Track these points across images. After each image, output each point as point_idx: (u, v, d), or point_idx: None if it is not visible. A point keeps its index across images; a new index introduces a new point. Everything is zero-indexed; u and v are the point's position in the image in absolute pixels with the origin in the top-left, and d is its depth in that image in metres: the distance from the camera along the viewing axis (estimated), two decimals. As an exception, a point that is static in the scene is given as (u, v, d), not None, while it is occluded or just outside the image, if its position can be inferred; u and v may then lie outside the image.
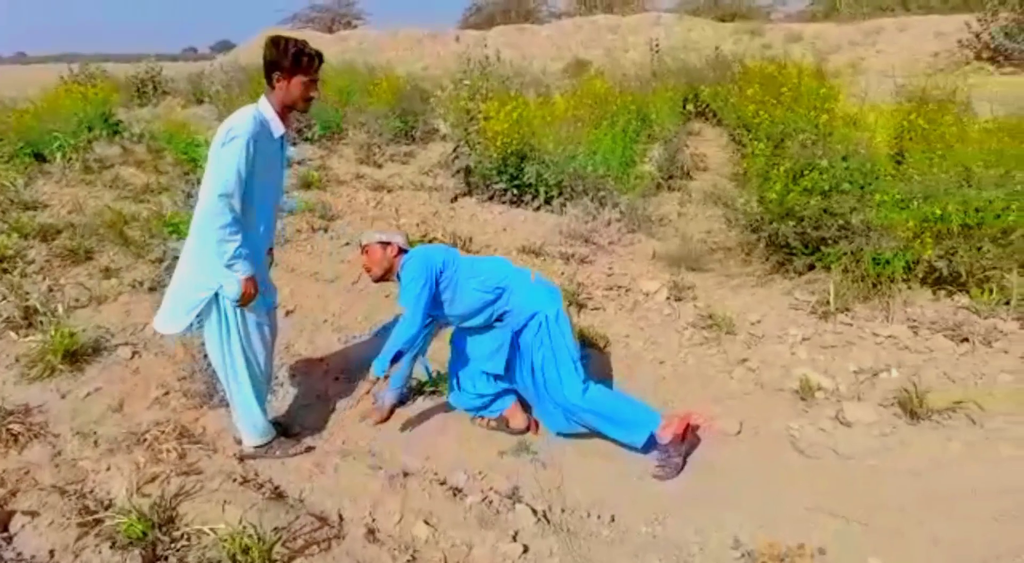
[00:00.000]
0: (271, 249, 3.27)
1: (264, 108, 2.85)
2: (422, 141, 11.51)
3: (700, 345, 3.95)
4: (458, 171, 7.83)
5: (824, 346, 3.79)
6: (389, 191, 8.01)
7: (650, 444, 3.01)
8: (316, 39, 22.49)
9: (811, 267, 4.75)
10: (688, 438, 3.03)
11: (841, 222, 4.41)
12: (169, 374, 3.95)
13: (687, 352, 3.90)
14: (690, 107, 12.32)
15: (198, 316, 2.97)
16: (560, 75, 17.88)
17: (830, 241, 4.50)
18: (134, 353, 4.18)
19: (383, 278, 3.27)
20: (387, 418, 3.50)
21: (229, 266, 2.80)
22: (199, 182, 8.08)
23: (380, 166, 9.72)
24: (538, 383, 3.10)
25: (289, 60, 2.75)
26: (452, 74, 15.52)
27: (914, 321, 3.94)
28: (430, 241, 5.69)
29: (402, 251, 3.20)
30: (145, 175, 8.78)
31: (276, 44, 2.78)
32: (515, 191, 7.22)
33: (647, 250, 5.59)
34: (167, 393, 3.77)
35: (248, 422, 3.16)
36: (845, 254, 4.31)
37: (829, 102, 6.41)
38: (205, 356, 4.02)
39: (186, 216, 6.70)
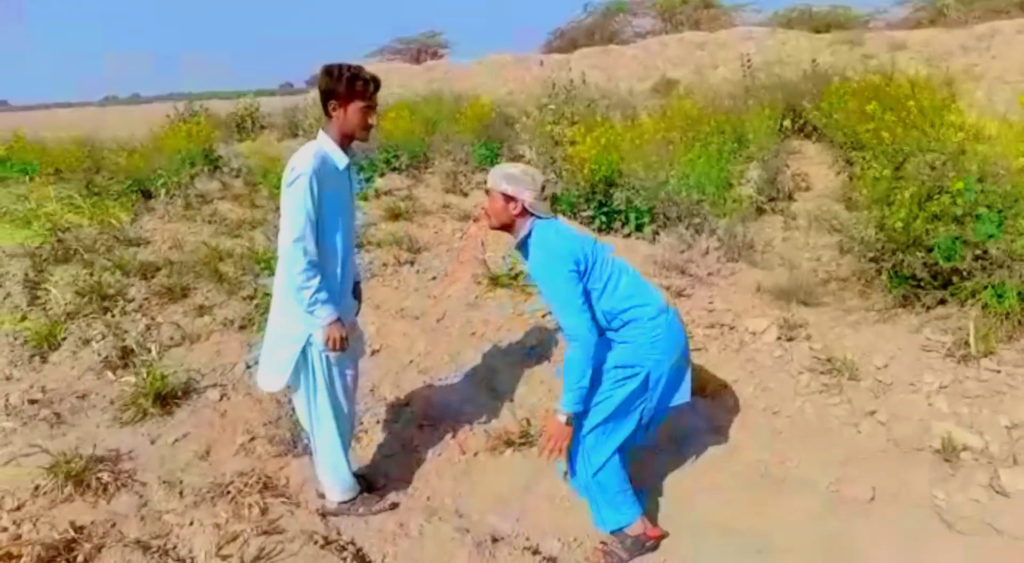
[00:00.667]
0: (358, 284, 3.10)
1: (324, 142, 2.73)
2: (508, 168, 11.40)
3: (819, 393, 3.54)
4: (544, 199, 7.62)
5: (967, 396, 3.31)
6: (476, 220, 7.88)
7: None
8: (404, 71, 23.04)
9: (942, 302, 4.25)
10: (647, 546, 2.73)
11: (978, 252, 3.92)
12: (255, 418, 3.88)
13: (804, 400, 3.50)
14: (787, 124, 11.73)
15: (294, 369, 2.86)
16: (647, 95, 17.48)
17: (965, 273, 4.01)
18: (222, 395, 4.14)
19: (504, 230, 2.71)
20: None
21: (311, 312, 2.68)
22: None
23: (466, 195, 9.65)
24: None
25: (344, 86, 2.63)
26: (537, 99, 15.49)
27: (1073, 366, 3.41)
28: (515, 277, 5.48)
29: (526, 212, 2.60)
30: (241, 210, 9.00)
31: (329, 72, 2.66)
32: (604, 218, 6.95)
33: (750, 281, 5.19)
34: (252, 439, 3.69)
35: (332, 477, 3.01)
36: (985, 288, 3.81)
37: (952, 115, 5.83)
38: (290, 401, 3.97)
39: (275, 252, 6.83)
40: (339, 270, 2.84)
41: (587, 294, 2.55)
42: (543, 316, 4.84)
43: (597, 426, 2.65)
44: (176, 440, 3.71)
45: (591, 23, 31.64)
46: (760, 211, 7.12)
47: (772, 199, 7.39)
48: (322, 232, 2.68)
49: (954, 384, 3.41)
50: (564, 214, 7.41)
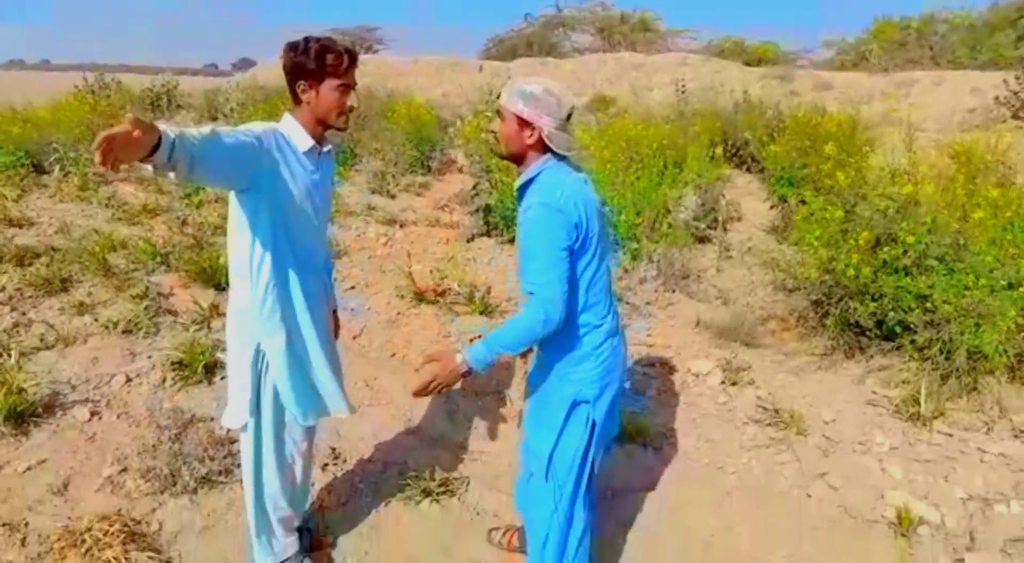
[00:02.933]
0: (335, 313, 2.56)
1: (285, 123, 2.21)
2: (439, 172, 10.98)
3: (766, 447, 3.29)
4: (477, 210, 7.25)
5: (918, 460, 3.13)
6: (402, 226, 7.44)
7: None
8: (337, 61, 22.05)
9: (883, 352, 4.12)
10: None
11: (928, 305, 3.78)
12: (129, 445, 3.31)
13: (751, 457, 3.24)
14: (718, 151, 11.78)
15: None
16: (583, 111, 17.41)
17: (911, 326, 3.87)
18: (93, 414, 3.54)
19: (514, 161, 2.16)
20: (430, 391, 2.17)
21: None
22: (199, 206, 7.42)
23: (393, 196, 9.17)
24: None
25: (314, 62, 2.11)
26: (473, 104, 15.14)
27: (1021, 432, 3.28)
28: (441, 293, 5.08)
29: (542, 145, 2.07)
30: (145, 194, 8.22)
31: (294, 47, 2.13)
32: (539, 235, 6.62)
33: (689, 314, 4.96)
34: (123, 471, 3.13)
35: (262, 542, 2.49)
36: (930, 343, 3.67)
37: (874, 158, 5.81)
38: (173, 423, 3.43)
39: (177, 244, 6.17)
40: (309, 279, 2.30)
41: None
42: (471, 340, 4.46)
43: (569, 500, 2.19)
44: (28, 468, 3.11)
45: (531, 33, 31.62)
46: (696, 239, 6.97)
47: (709, 227, 7.26)
48: (283, 231, 2.17)
49: (905, 446, 3.22)
50: (496, 226, 7.07)
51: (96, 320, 4.51)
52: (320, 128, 2.23)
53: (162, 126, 1.66)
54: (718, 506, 2.94)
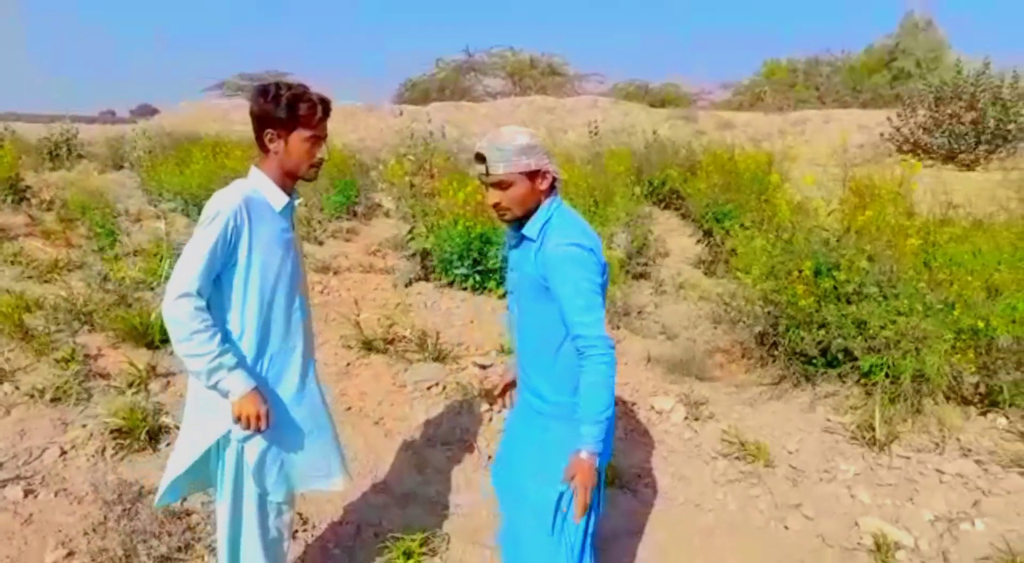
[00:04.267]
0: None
1: (256, 179, 2.10)
2: (364, 217, 10.85)
3: (737, 482, 3.34)
4: (414, 254, 7.19)
5: (882, 484, 3.25)
6: (336, 273, 7.27)
7: None
8: (247, 108, 21.68)
9: (826, 378, 4.30)
10: None
11: (870, 332, 3.97)
12: (74, 524, 3.04)
13: (725, 492, 3.28)
14: (638, 190, 12.17)
15: (200, 475, 2.18)
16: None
17: (853, 352, 4.05)
18: (27, 492, 3.24)
19: (523, 218, 2.05)
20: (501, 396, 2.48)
21: (214, 385, 1.98)
22: (116, 259, 7.03)
23: (322, 243, 8.98)
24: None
25: (285, 111, 2.01)
26: (394, 148, 15.09)
27: (968, 450, 3.47)
28: (390, 341, 4.96)
29: (552, 187, 2.04)
30: (54, 249, 7.73)
31: (264, 92, 2.03)
32: (478, 277, 6.62)
33: (638, 351, 5.03)
34: (70, 554, 2.86)
35: None
36: (880, 368, 3.85)
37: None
38: (121, 497, 3.18)
39: (100, 302, 5.79)
40: (293, 350, 2.17)
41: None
42: (428, 387, 4.37)
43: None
44: (-45, 561, 2.80)
45: (443, 78, 32.04)
46: (627, 275, 7.12)
47: (642, 264, 7.44)
48: (256, 295, 2.05)
49: (867, 472, 3.34)
50: (434, 270, 7.01)
51: (18, 388, 4.15)
52: (290, 180, 2.15)
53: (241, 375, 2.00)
54: (703, 546, 2.95)
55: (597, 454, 1.96)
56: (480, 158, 2.00)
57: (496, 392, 2.50)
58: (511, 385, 2.45)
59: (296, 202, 2.20)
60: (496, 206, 2.04)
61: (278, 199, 2.10)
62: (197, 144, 13.21)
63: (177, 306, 1.92)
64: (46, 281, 6.40)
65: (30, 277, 6.51)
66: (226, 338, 2.02)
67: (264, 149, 2.09)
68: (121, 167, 15.32)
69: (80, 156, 16.86)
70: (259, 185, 2.09)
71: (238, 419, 2.00)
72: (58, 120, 18.16)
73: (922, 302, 3.93)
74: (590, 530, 2.14)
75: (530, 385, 2.17)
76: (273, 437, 2.10)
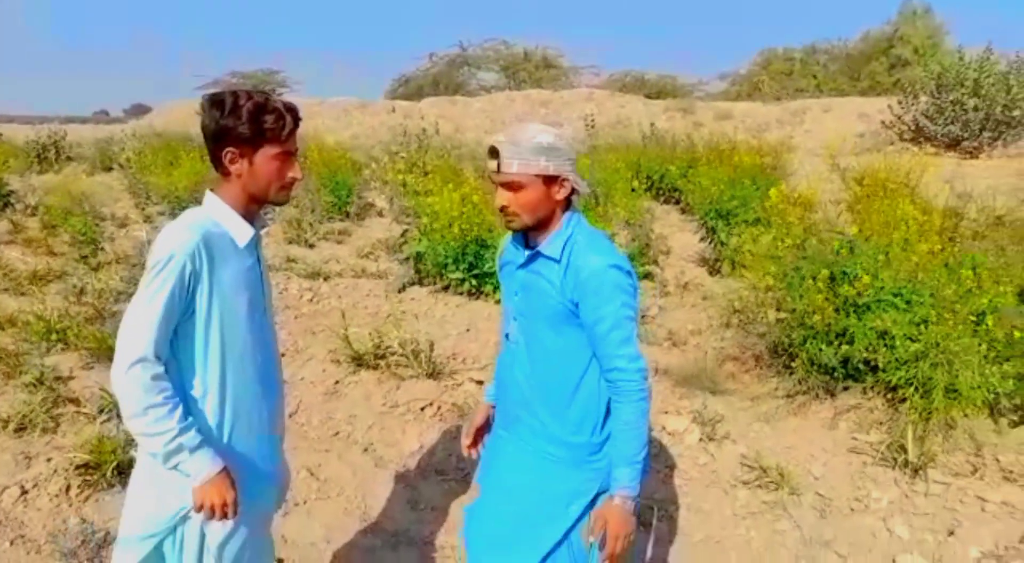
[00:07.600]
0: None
1: (214, 209, 1.75)
2: (358, 217, 10.54)
3: (760, 514, 3.06)
4: (407, 258, 6.90)
5: (918, 514, 2.97)
6: (326, 279, 6.96)
7: None
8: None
9: (846, 389, 4.02)
10: None
11: (895, 343, 3.69)
12: (31, 574, 2.75)
13: (748, 526, 3.00)
14: (636, 184, 11.89)
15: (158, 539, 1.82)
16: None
17: (878, 364, 3.77)
18: (-18, 539, 2.95)
19: (536, 228, 1.80)
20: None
21: (172, 467, 1.66)
22: (98, 268, 6.70)
23: (312, 246, 8.68)
24: None
25: (247, 125, 1.67)
26: (386, 144, 14.77)
27: (1010, 472, 3.19)
28: (382, 356, 4.66)
29: (569, 198, 1.80)
30: (35, 258, 7.44)
31: (220, 103, 1.67)
32: (474, 281, 6.33)
33: (647, 361, 4.73)
34: (24, 612, 2.58)
35: None
36: (910, 382, 3.56)
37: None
38: (85, 543, 2.90)
39: (75, 317, 5.50)
40: (259, 408, 1.84)
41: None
42: (422, 408, 4.08)
43: None
44: None
45: (436, 73, 31.71)
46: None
47: (649, 264, 7.16)
48: (218, 351, 1.72)
49: (902, 500, 3.06)
50: (428, 274, 6.72)
51: (-21, 417, 3.86)
52: (255, 206, 1.79)
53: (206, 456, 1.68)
54: (727, 589, 2.67)
55: (634, 499, 1.76)
56: (493, 153, 1.74)
57: (467, 441, 2.15)
58: (485, 429, 2.15)
59: (263, 231, 1.88)
60: (503, 210, 1.78)
61: (242, 232, 1.75)
62: (185, 145, 12.91)
63: (130, 377, 1.58)
64: (22, 294, 6.10)
65: (6, 290, 6.21)
66: (187, 407, 1.68)
67: (223, 172, 1.73)
68: (110, 169, 15.00)
69: (69, 158, 16.57)
70: (218, 216, 1.74)
71: (200, 508, 1.68)
72: (49, 121, 17.89)
73: (951, 310, 3.65)
74: None
75: (534, 427, 1.88)
76: (242, 518, 1.79)
